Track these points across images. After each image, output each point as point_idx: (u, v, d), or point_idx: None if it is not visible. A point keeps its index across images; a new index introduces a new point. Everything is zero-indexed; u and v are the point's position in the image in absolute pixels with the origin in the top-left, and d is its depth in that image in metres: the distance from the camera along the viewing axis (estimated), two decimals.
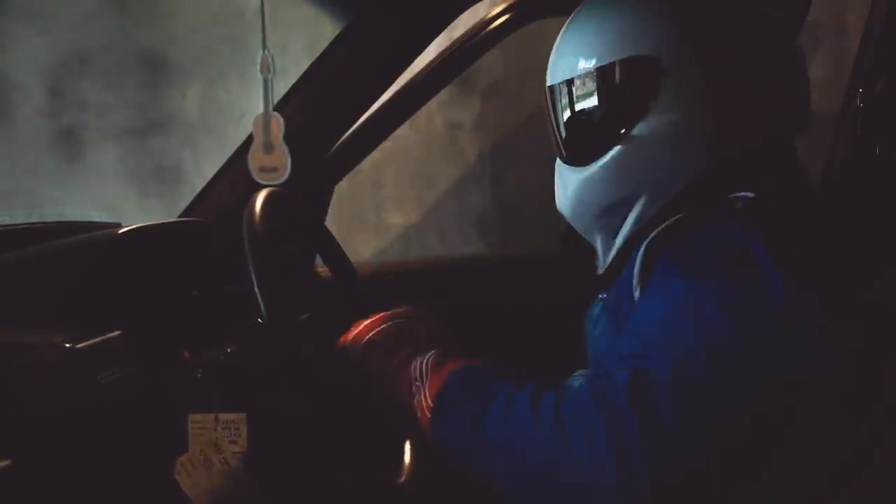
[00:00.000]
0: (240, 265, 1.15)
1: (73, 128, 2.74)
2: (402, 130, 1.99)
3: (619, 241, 1.12)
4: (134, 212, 2.71)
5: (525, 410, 0.96)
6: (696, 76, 1.04)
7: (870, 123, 1.64)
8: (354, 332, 1.17)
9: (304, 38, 2.51)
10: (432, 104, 1.94)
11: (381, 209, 2.82)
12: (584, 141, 1.11)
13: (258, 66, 1.52)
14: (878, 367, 0.98)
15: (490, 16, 1.83)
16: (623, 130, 1.06)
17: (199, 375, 1.20)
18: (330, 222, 1.78)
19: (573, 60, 1.09)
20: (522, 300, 1.83)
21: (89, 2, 2.70)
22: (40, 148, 2.72)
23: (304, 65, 1.70)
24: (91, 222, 1.55)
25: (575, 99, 1.09)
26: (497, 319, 1.55)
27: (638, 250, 1.04)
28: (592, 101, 1.07)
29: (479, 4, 1.66)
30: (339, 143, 1.77)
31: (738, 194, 1.00)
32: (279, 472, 1.28)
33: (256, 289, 1.12)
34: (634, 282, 1.02)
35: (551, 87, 1.13)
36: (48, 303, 1.27)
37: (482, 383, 1.01)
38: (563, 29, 1.15)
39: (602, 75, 1.06)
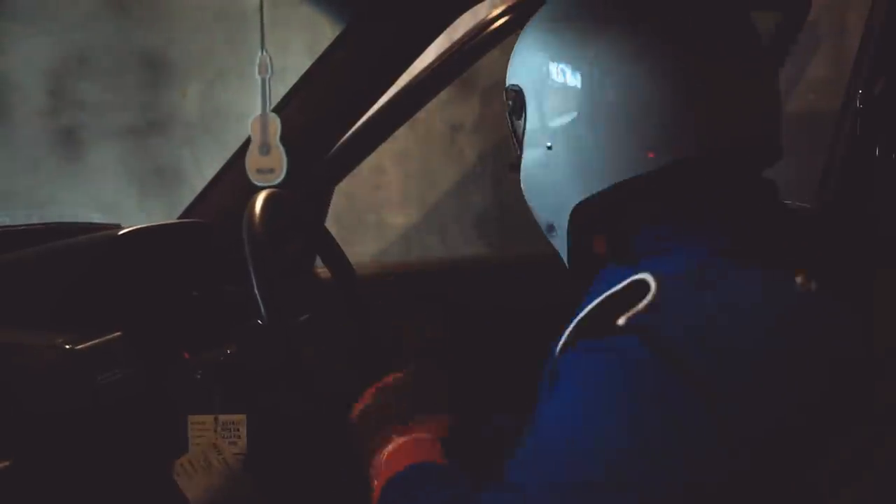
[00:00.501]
0: (240, 266, 1.15)
1: (72, 128, 2.74)
2: (403, 131, 1.99)
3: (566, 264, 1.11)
4: (134, 212, 2.71)
5: None
6: (550, 111, 1.03)
7: (870, 123, 1.64)
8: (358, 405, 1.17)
9: (304, 38, 2.52)
10: (432, 105, 1.93)
11: (382, 210, 2.82)
12: (511, 153, 1.14)
13: (256, 67, 1.52)
14: (876, 370, 0.98)
15: (490, 17, 1.83)
16: (519, 152, 1.10)
17: (199, 376, 1.20)
18: (330, 223, 1.78)
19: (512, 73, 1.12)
20: (522, 301, 1.83)
21: (89, 2, 2.70)
22: (40, 148, 2.72)
23: (305, 65, 1.70)
24: (91, 223, 1.55)
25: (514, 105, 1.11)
26: (497, 321, 1.55)
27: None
28: (509, 119, 1.12)
29: (479, 6, 1.66)
30: (339, 143, 1.77)
31: (633, 278, 0.90)
32: (278, 473, 1.28)
33: (256, 290, 1.12)
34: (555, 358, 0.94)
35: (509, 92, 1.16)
36: (48, 304, 1.27)
37: (410, 488, 1.01)
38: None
39: (505, 96, 1.11)
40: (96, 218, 2.39)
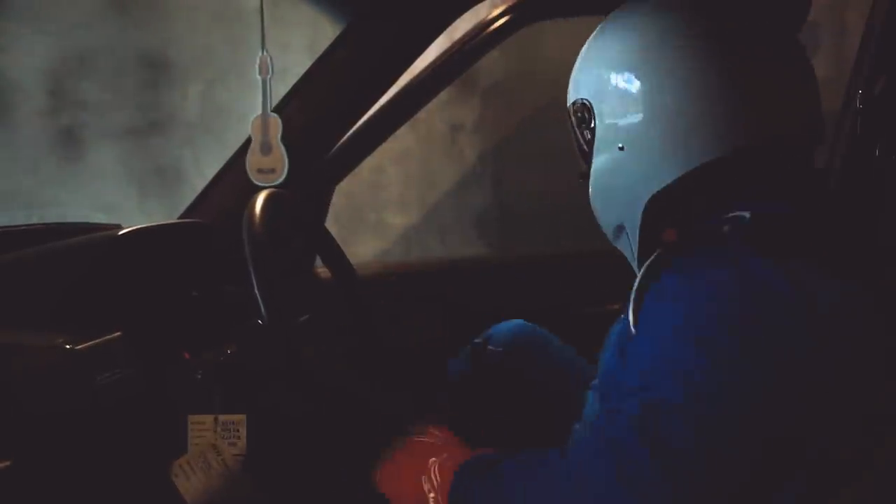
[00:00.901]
0: (240, 266, 1.15)
1: (73, 128, 2.74)
2: (403, 131, 1.99)
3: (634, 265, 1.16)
4: (134, 212, 2.71)
5: (534, 469, 0.98)
6: (618, 115, 1.11)
7: (870, 123, 1.64)
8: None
9: (304, 38, 2.52)
10: (432, 105, 1.94)
11: (382, 210, 2.82)
12: (579, 165, 1.21)
13: (256, 68, 1.53)
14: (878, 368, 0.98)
15: (490, 17, 1.83)
16: (589, 161, 1.17)
17: (199, 376, 1.20)
18: (330, 223, 1.78)
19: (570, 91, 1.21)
20: (522, 301, 1.83)
21: (89, 2, 2.70)
22: (40, 148, 2.72)
23: (305, 65, 1.70)
24: (91, 223, 1.55)
25: (570, 125, 1.20)
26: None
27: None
28: (575, 132, 1.19)
29: (480, 6, 1.66)
30: (339, 143, 1.77)
31: (729, 215, 1.03)
32: (278, 474, 1.28)
33: (256, 290, 1.12)
34: (630, 316, 1.04)
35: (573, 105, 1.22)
36: (48, 304, 1.27)
37: (491, 463, 1.05)
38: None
39: (572, 111, 1.19)
40: (96, 218, 2.39)
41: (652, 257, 1.06)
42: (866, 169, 1.64)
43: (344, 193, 2.10)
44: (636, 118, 1.09)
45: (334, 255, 1.41)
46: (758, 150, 1.06)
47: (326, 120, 1.71)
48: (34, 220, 2.36)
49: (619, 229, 1.16)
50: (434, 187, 2.82)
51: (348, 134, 1.76)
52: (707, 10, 1.10)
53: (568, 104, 1.19)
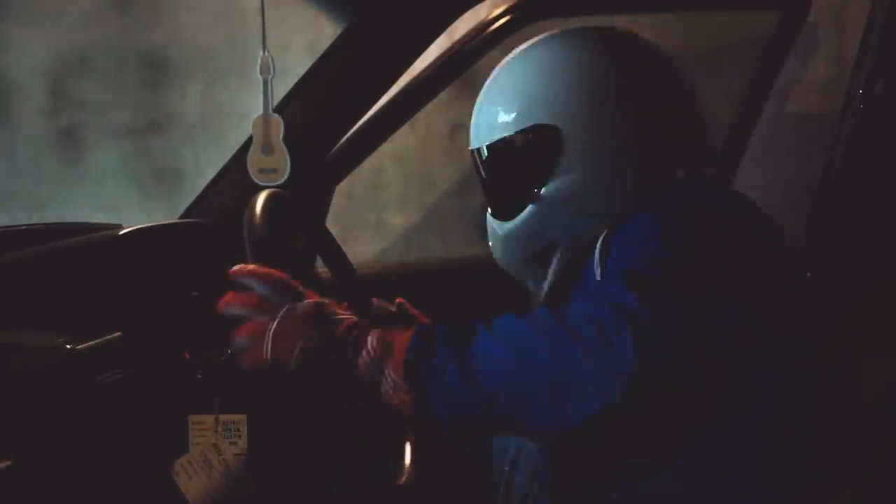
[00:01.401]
0: None
1: (73, 128, 2.74)
2: (403, 131, 1.99)
3: (549, 278, 1.20)
4: (134, 212, 2.71)
5: (519, 328, 0.91)
6: (592, 138, 1.13)
7: (870, 124, 1.64)
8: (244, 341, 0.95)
9: (305, 38, 2.52)
10: (432, 104, 1.93)
11: (382, 210, 2.82)
12: (503, 199, 1.22)
13: (258, 68, 1.53)
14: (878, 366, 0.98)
15: (490, 17, 1.83)
16: (535, 190, 1.16)
17: (200, 376, 1.20)
18: (330, 223, 1.78)
19: (488, 126, 1.21)
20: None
21: (89, 2, 2.70)
22: (40, 148, 2.72)
23: (306, 65, 1.70)
24: (91, 223, 1.55)
25: (492, 162, 1.21)
26: None
27: (588, 260, 1.10)
28: (507, 165, 1.19)
29: (480, 6, 1.66)
30: (339, 143, 1.77)
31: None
32: (279, 474, 1.28)
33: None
34: (596, 270, 1.06)
35: (473, 150, 1.24)
36: (48, 304, 1.27)
37: (452, 328, 0.94)
38: (482, 90, 1.26)
39: (513, 142, 1.17)
40: (97, 218, 2.39)
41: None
42: (866, 169, 1.64)
43: (344, 193, 2.09)
44: (614, 140, 1.13)
45: (334, 255, 1.41)
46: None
47: (327, 120, 1.71)
48: (34, 220, 2.36)
49: (542, 252, 1.19)
50: (434, 187, 2.82)
51: (349, 134, 1.76)
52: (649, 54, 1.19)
53: (508, 133, 1.17)
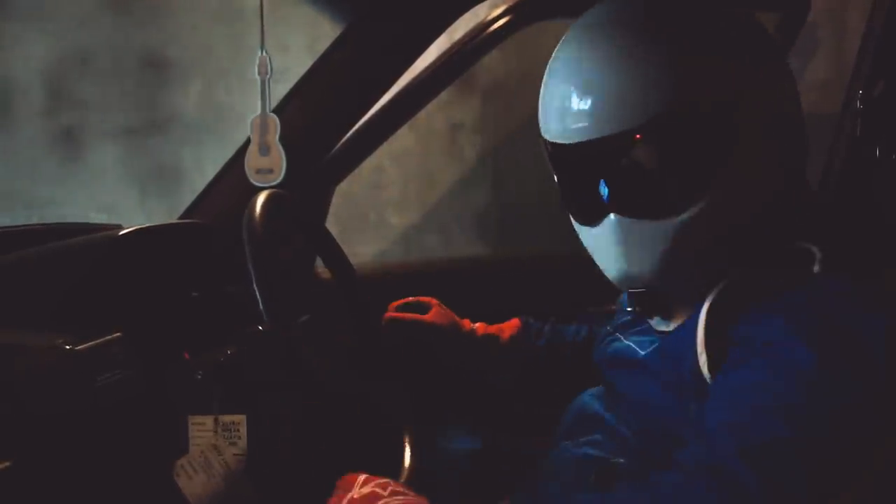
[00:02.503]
0: (240, 266, 1.15)
1: (72, 128, 2.74)
2: (403, 131, 1.99)
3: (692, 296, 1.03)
4: (134, 212, 2.71)
5: None
6: (769, 116, 0.99)
7: (870, 124, 1.64)
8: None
9: (304, 38, 2.52)
10: (432, 104, 1.93)
11: (382, 210, 2.82)
12: (669, 193, 0.99)
13: (256, 67, 1.52)
14: None
15: (490, 17, 1.83)
16: (712, 178, 0.98)
17: (199, 377, 1.20)
18: (330, 223, 1.78)
19: (634, 104, 0.96)
20: (522, 302, 1.83)
21: (89, 2, 2.70)
22: (40, 148, 2.72)
23: (305, 65, 1.69)
24: (91, 224, 1.55)
25: (656, 147, 0.97)
26: (497, 321, 1.55)
27: (699, 310, 0.98)
28: (675, 150, 0.97)
29: (480, 6, 1.66)
30: (339, 143, 1.76)
31: (802, 245, 0.96)
32: (278, 474, 1.28)
33: (256, 290, 1.12)
34: (699, 348, 0.95)
35: (620, 135, 0.97)
36: (48, 304, 1.27)
37: None
38: (578, 58, 1.02)
39: (681, 122, 0.96)
40: (97, 218, 2.39)
41: (726, 281, 0.97)
42: (866, 170, 1.64)
43: (344, 193, 2.10)
44: (784, 119, 0.99)
45: (334, 255, 1.41)
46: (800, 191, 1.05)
47: (326, 120, 1.71)
48: (34, 221, 2.36)
49: (709, 252, 1.01)
50: (434, 187, 2.82)
51: (349, 134, 1.76)
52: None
53: (676, 108, 0.94)
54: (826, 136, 1.79)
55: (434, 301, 1.50)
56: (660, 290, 1.05)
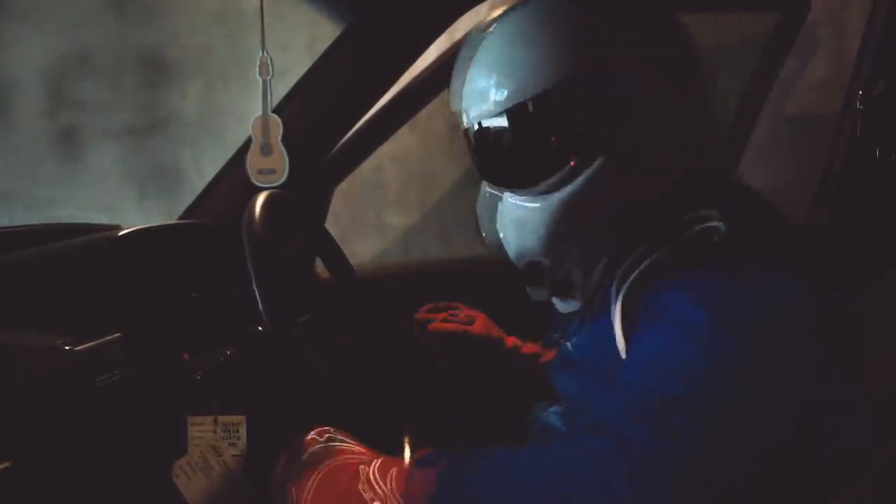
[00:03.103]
0: (240, 267, 1.15)
1: (72, 128, 2.74)
2: (403, 131, 1.99)
3: (595, 276, 1.05)
4: (134, 213, 2.71)
5: (527, 471, 0.88)
6: (661, 90, 0.99)
7: (870, 124, 1.64)
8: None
9: (304, 38, 2.51)
10: (432, 105, 1.94)
11: (381, 210, 2.82)
12: (543, 168, 1.02)
13: (257, 68, 1.52)
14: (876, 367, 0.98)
15: (491, 17, 1.82)
16: (593, 154, 0.99)
17: (199, 377, 1.20)
18: (330, 223, 1.78)
19: (523, 77, 1.00)
20: (522, 302, 1.83)
21: (89, 2, 2.70)
22: (40, 148, 2.72)
23: (306, 65, 1.69)
24: (91, 224, 1.55)
25: (538, 120, 1.00)
26: (497, 321, 1.55)
27: (610, 294, 1.00)
28: (558, 123, 0.99)
29: (480, 6, 1.66)
30: (339, 144, 1.76)
31: (702, 226, 0.97)
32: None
33: (256, 290, 1.12)
34: (617, 336, 0.96)
35: (513, 109, 1.02)
36: (48, 305, 1.27)
37: (472, 459, 0.95)
38: (481, 36, 1.10)
39: (566, 94, 0.97)
40: (96, 218, 2.39)
41: (641, 266, 0.98)
42: (866, 170, 1.64)
43: (344, 193, 2.09)
44: (678, 93, 0.99)
45: (334, 255, 1.41)
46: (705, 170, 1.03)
47: (326, 120, 1.71)
48: (34, 221, 2.36)
49: (590, 232, 1.03)
50: (434, 187, 2.82)
51: (349, 135, 1.76)
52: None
53: (560, 79, 0.96)
54: (826, 136, 1.79)
55: (481, 315, 1.52)
56: (546, 266, 1.10)
